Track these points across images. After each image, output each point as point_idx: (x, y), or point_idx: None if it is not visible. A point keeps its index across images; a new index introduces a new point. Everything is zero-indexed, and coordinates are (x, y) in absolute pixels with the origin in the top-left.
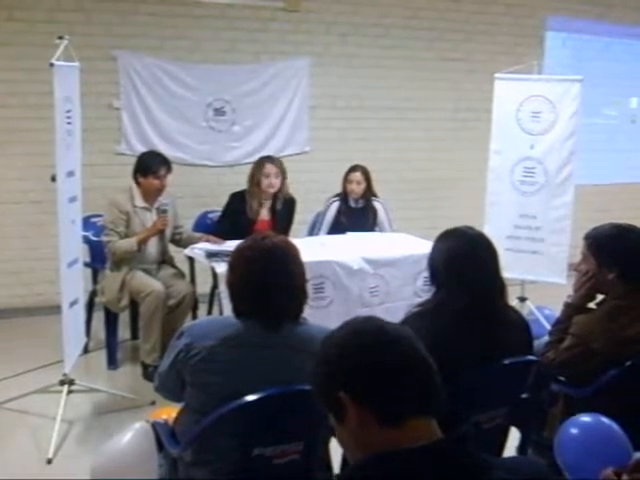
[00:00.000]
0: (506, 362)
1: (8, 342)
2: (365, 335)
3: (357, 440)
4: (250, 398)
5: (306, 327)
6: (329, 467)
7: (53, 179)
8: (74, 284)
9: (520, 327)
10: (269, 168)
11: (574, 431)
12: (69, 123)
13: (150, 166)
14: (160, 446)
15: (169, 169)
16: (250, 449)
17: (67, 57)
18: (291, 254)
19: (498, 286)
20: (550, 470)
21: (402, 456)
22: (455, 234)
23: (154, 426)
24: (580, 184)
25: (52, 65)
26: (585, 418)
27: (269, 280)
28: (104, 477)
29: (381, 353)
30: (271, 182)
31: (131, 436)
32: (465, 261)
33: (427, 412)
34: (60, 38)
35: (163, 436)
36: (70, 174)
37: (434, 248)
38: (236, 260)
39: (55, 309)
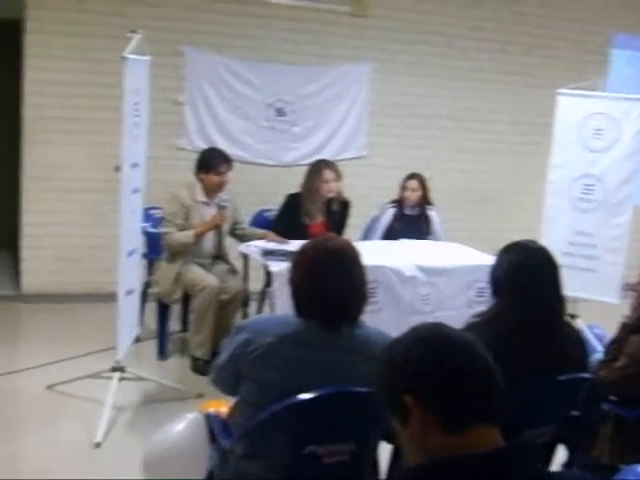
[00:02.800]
0: (561, 378)
1: (63, 327)
2: (432, 341)
3: (418, 444)
4: (305, 397)
5: (364, 330)
6: (376, 470)
7: (117, 169)
8: (131, 273)
9: (577, 344)
10: (328, 174)
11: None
12: (137, 116)
13: (211, 163)
14: (212, 438)
15: (230, 166)
16: (302, 446)
17: (138, 51)
18: (352, 256)
19: (558, 301)
20: None
21: (460, 462)
22: (519, 247)
23: (207, 417)
24: (636, 204)
25: (124, 58)
26: None
27: (330, 281)
28: (156, 463)
29: (447, 359)
30: (331, 187)
31: (184, 425)
32: (527, 275)
33: (490, 420)
34: (133, 32)
35: (216, 428)
36: (134, 165)
37: (497, 260)
38: (299, 260)
39: (110, 297)
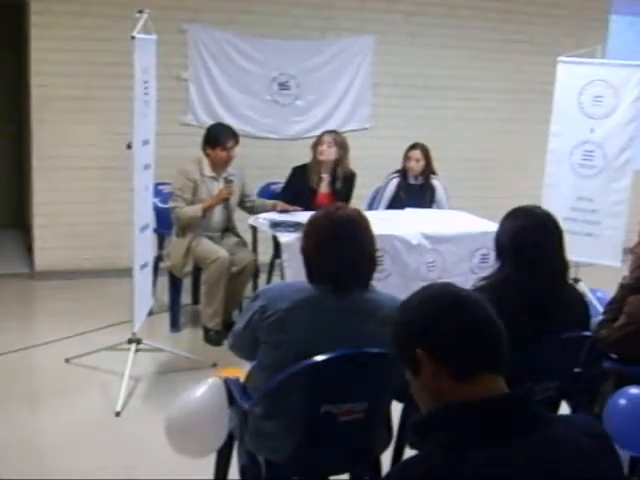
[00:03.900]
0: (563, 336)
1: (75, 302)
2: (441, 298)
3: (431, 394)
4: (320, 358)
5: (375, 294)
6: (389, 427)
7: (129, 147)
8: (145, 248)
9: (579, 305)
10: (324, 137)
11: (623, 402)
12: (146, 94)
13: (218, 138)
14: (230, 401)
15: (236, 141)
16: (318, 406)
17: (144, 30)
18: (362, 224)
19: (561, 265)
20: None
21: (472, 406)
22: (524, 213)
23: (226, 381)
24: (636, 169)
25: (133, 38)
26: (634, 390)
27: (342, 248)
28: (179, 426)
29: (455, 313)
30: (323, 150)
31: (205, 389)
32: (532, 239)
33: (496, 369)
34: (140, 12)
35: (235, 391)
36: (145, 142)
37: (502, 225)
38: (310, 229)
39: (118, 272)
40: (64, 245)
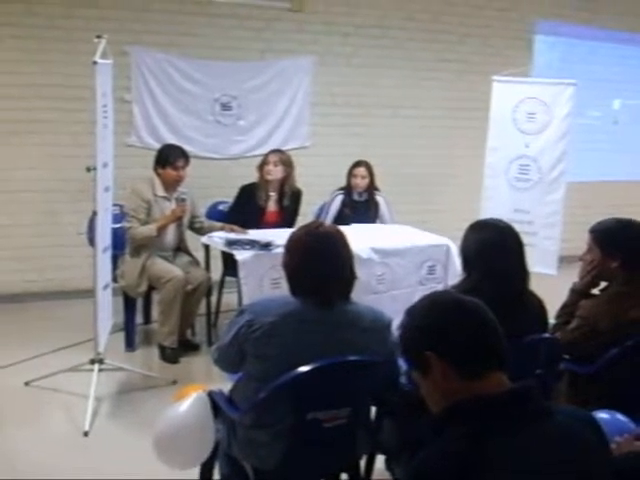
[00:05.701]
0: (527, 339)
1: (25, 325)
2: (446, 303)
3: (441, 392)
4: (305, 368)
5: (355, 305)
6: (370, 430)
7: (89, 170)
8: (106, 269)
9: (540, 310)
10: (270, 157)
11: None
12: (105, 117)
13: (168, 158)
14: (215, 413)
15: (187, 161)
16: (305, 413)
17: (102, 55)
18: (342, 240)
19: (523, 273)
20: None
21: (483, 401)
22: (487, 225)
23: (210, 394)
24: (569, 182)
25: (95, 63)
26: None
27: (324, 263)
28: (167, 440)
29: (461, 317)
30: (269, 169)
31: (190, 403)
32: (496, 251)
33: (500, 367)
34: (99, 37)
35: (222, 403)
36: (105, 165)
37: (467, 237)
38: (294, 246)
39: (65, 294)
40: (9, 268)
